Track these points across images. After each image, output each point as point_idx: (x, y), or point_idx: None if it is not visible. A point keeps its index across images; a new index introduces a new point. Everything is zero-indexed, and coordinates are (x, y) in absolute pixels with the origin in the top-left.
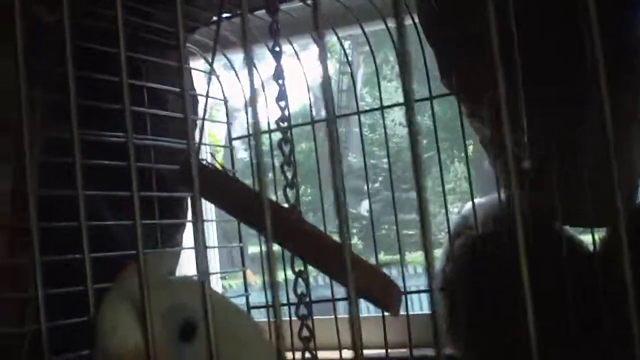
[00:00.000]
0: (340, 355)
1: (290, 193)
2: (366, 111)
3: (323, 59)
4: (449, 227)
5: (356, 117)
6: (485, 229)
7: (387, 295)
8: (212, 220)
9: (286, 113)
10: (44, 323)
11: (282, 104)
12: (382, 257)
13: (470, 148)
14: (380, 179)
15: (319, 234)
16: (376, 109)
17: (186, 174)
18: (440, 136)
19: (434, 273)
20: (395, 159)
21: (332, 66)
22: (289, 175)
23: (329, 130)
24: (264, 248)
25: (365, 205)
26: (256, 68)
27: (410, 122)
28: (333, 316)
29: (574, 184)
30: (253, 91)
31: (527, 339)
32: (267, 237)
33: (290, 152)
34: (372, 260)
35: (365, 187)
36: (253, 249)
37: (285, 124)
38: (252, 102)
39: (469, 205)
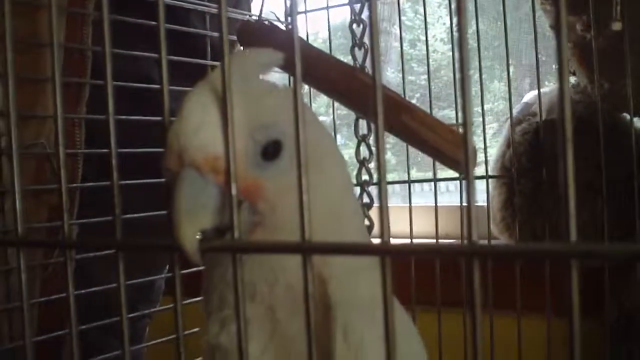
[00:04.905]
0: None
1: (358, 53)
2: None
3: None
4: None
5: (396, 32)
6: (549, 116)
7: (459, 151)
8: None
9: None
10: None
11: None
12: (414, 173)
13: (512, 69)
14: (417, 95)
15: (385, 89)
16: None
17: (245, 35)
18: (482, 55)
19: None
20: (434, 76)
21: None
22: (358, 34)
23: None
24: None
25: None
26: None
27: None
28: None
29: None
30: None
31: (593, 225)
32: (378, 124)
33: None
34: (405, 176)
35: None
36: None
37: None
38: None
39: (531, 93)
